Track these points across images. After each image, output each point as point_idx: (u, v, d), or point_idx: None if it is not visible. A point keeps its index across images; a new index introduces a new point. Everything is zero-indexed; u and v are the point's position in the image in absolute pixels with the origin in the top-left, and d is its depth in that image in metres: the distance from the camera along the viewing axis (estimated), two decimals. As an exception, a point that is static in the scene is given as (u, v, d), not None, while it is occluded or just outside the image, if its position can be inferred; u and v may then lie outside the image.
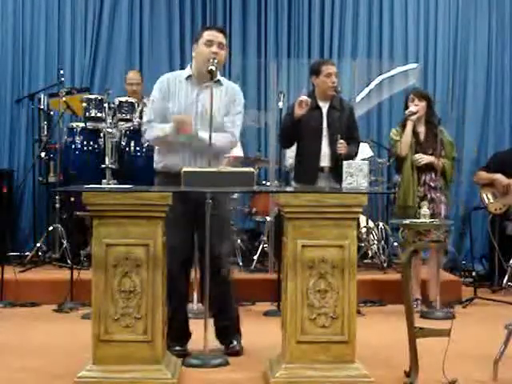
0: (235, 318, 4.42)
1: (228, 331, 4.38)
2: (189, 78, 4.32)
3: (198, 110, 4.24)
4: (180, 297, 4.33)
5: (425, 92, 6.15)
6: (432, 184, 5.78)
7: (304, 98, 5.31)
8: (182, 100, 4.26)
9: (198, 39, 4.31)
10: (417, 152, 5.76)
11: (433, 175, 5.78)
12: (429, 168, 5.75)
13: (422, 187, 5.74)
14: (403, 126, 5.82)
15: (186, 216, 4.18)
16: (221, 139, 4.23)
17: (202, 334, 4.07)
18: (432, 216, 5.58)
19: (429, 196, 5.73)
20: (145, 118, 4.43)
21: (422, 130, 5.84)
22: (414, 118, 5.74)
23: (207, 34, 4.28)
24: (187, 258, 4.34)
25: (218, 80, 4.29)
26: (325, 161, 5.42)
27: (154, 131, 4.27)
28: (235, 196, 6.67)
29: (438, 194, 5.76)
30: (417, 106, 5.77)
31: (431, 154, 5.76)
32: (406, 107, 5.85)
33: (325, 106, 5.48)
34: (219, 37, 4.27)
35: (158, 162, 4.35)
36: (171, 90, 4.29)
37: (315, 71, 5.52)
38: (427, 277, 5.89)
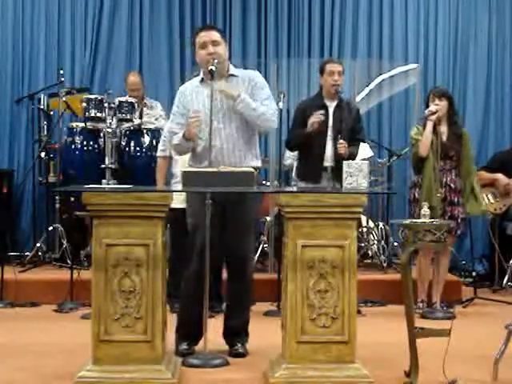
0: (246, 320, 4.41)
1: (237, 332, 4.38)
2: (202, 81, 4.34)
3: (219, 107, 4.21)
4: (198, 295, 4.32)
5: (446, 91, 5.99)
6: (452, 185, 5.72)
7: (317, 118, 5.32)
8: (200, 104, 4.27)
9: (195, 44, 4.30)
10: (438, 152, 5.65)
11: (453, 176, 5.74)
12: (449, 169, 5.69)
13: (442, 188, 5.64)
14: (424, 126, 5.70)
15: (213, 217, 4.12)
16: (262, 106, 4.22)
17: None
18: (450, 218, 5.59)
19: (448, 198, 5.69)
20: (165, 130, 4.42)
21: (444, 130, 5.71)
22: (433, 117, 5.60)
23: (200, 37, 4.27)
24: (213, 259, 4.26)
25: (231, 74, 4.29)
26: (328, 161, 5.43)
27: (173, 140, 4.33)
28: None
29: (456, 196, 5.74)
30: (437, 106, 5.65)
31: (453, 155, 5.69)
32: (427, 107, 5.74)
33: (331, 106, 5.51)
34: (211, 35, 4.25)
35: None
36: (189, 98, 4.31)
37: (320, 70, 5.61)
38: (431, 277, 5.89)
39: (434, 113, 5.63)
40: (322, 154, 5.46)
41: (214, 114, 4.15)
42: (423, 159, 5.67)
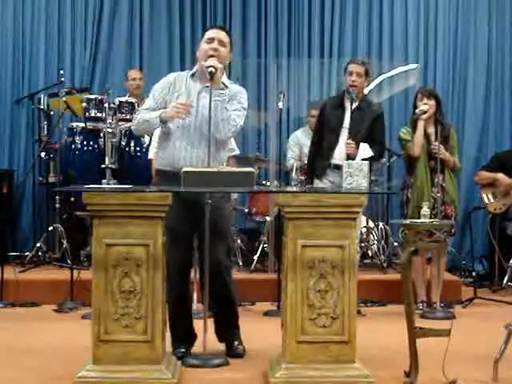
0: (234, 315, 4.39)
1: (227, 328, 4.37)
2: (194, 75, 4.32)
3: (198, 108, 4.19)
4: (182, 298, 4.33)
5: (433, 90, 6.00)
6: (443, 185, 5.71)
7: None
8: (185, 96, 4.22)
9: (202, 39, 4.31)
10: (429, 153, 5.65)
11: (443, 176, 5.73)
12: (440, 169, 5.65)
13: (434, 188, 5.64)
14: (413, 126, 5.71)
15: (187, 217, 4.16)
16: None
17: (201, 333, 4.07)
18: (444, 218, 5.58)
19: (441, 198, 5.65)
20: (143, 106, 4.36)
21: (431, 130, 5.70)
22: (424, 117, 5.61)
23: (209, 33, 4.28)
24: (187, 260, 4.33)
25: (224, 84, 4.23)
26: (336, 159, 5.43)
27: (141, 115, 4.24)
28: (235, 196, 6.66)
29: (447, 196, 5.73)
30: (426, 105, 5.65)
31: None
32: (415, 106, 5.73)
33: (350, 106, 5.50)
34: (221, 34, 4.26)
35: (159, 159, 4.34)
36: (176, 87, 4.27)
37: (344, 69, 5.67)
38: (429, 277, 5.89)
39: (425, 112, 5.63)
40: (331, 151, 5.47)
41: (197, 116, 4.15)
42: (415, 160, 5.69)
